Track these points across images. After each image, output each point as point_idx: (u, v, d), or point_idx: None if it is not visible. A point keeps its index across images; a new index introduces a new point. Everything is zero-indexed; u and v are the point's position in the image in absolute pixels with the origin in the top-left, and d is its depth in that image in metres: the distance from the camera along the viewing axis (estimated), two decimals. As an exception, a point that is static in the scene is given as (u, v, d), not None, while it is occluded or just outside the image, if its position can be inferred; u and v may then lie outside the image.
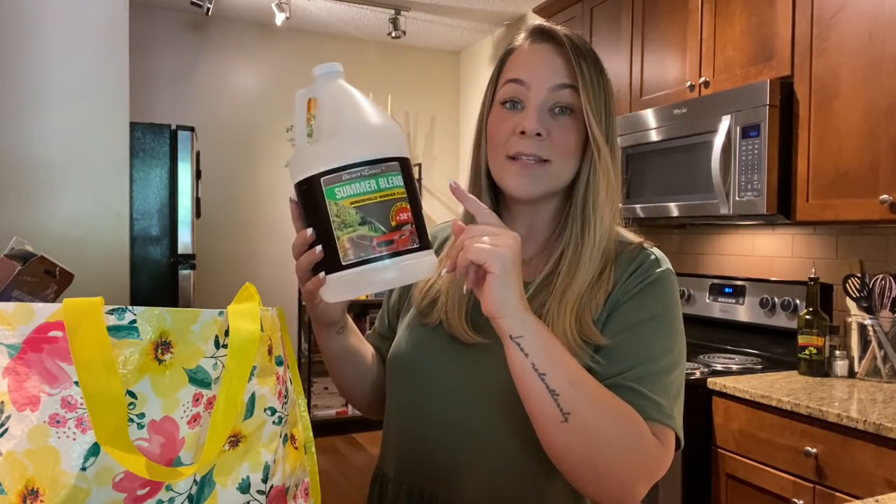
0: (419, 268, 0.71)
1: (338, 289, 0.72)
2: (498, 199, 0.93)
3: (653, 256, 0.86)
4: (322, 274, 0.72)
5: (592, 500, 0.75)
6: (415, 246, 0.71)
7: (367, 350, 1.00)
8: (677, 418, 0.80)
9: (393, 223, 0.70)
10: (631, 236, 0.89)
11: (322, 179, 0.70)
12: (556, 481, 0.82)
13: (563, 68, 0.84)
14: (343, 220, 0.70)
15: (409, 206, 0.71)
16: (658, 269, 0.84)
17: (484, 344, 0.85)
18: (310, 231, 0.73)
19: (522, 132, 0.83)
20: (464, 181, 0.94)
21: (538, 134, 0.83)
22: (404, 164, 0.72)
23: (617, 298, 0.82)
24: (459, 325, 0.87)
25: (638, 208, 2.50)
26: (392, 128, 0.73)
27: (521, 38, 0.90)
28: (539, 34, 0.88)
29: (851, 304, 2.11)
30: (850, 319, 2.10)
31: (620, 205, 0.90)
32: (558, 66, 0.84)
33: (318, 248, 0.72)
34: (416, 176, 4.69)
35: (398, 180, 0.71)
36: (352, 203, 0.70)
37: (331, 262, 0.72)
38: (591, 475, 0.72)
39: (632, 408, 0.75)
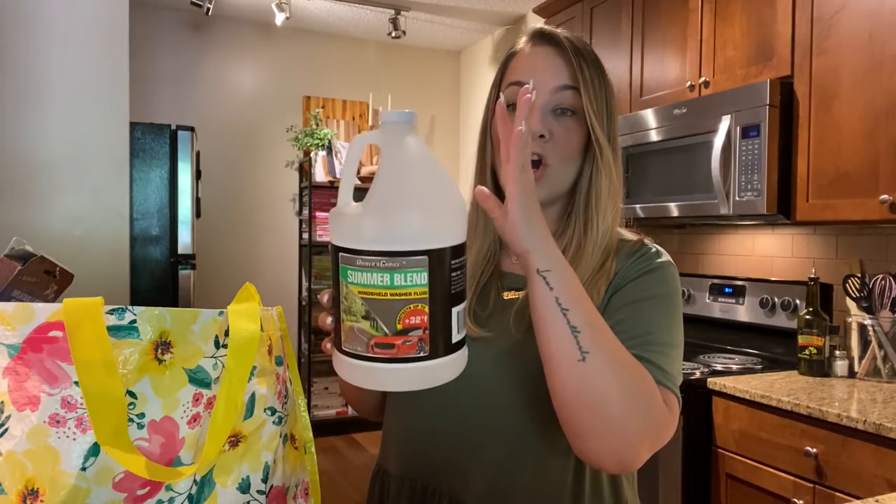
0: (417, 379, 0.63)
1: (340, 368, 0.65)
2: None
3: (654, 249, 0.88)
4: (329, 345, 0.68)
5: (592, 464, 0.73)
6: (420, 355, 0.62)
7: None
8: (678, 383, 0.80)
9: (399, 326, 0.61)
10: (631, 235, 0.91)
11: (340, 255, 0.63)
12: (556, 462, 0.83)
13: (564, 70, 0.86)
14: (349, 307, 0.62)
15: (426, 309, 0.62)
16: (659, 259, 0.86)
17: (486, 338, 0.86)
18: (326, 297, 0.70)
19: None
20: (468, 183, 0.94)
21: (541, 136, 0.84)
22: (437, 259, 0.62)
23: (618, 284, 0.84)
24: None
25: (638, 208, 2.50)
26: (437, 211, 0.63)
27: (522, 41, 0.92)
28: (540, 37, 0.89)
29: (851, 304, 2.11)
30: (850, 319, 2.10)
31: (622, 205, 0.91)
32: (560, 68, 0.86)
33: (329, 319, 0.68)
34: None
35: (420, 278, 0.61)
36: (360, 293, 0.61)
37: (335, 339, 0.66)
38: (598, 425, 0.70)
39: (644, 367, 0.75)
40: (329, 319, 0.68)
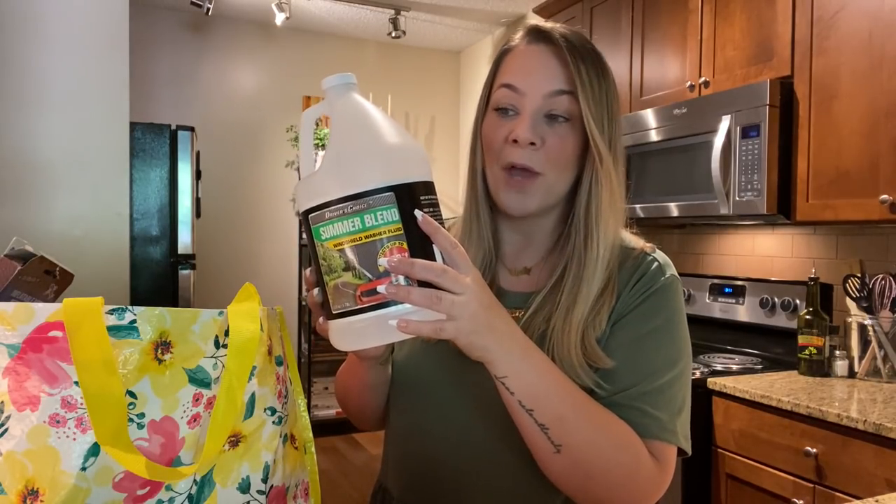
0: (413, 321, 0.61)
1: (337, 337, 0.64)
2: (494, 206, 0.89)
3: (656, 264, 0.83)
4: (321, 319, 0.67)
5: None
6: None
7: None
8: (681, 430, 0.80)
9: (381, 268, 0.60)
10: (634, 240, 0.86)
11: (310, 217, 0.63)
12: (561, 498, 0.82)
13: (559, 73, 0.79)
14: (329, 265, 0.62)
15: (405, 245, 0.60)
16: (662, 278, 0.81)
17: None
18: (308, 271, 0.68)
19: (515, 140, 0.79)
20: (462, 184, 0.92)
21: (532, 143, 0.78)
22: (405, 193, 0.60)
23: (620, 312, 0.80)
24: None
25: (638, 208, 2.50)
26: (394, 150, 0.62)
27: (517, 37, 0.85)
28: (535, 35, 0.82)
29: (851, 304, 2.11)
30: (850, 319, 2.10)
31: (625, 207, 0.86)
32: (554, 70, 0.79)
33: (316, 290, 0.66)
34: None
35: (391, 215, 0.60)
36: (335, 245, 0.61)
37: (326, 309, 0.64)
38: (587, 502, 0.73)
39: (631, 431, 0.74)
40: (316, 291, 0.66)
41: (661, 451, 0.77)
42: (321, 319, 0.67)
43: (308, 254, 0.66)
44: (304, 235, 0.65)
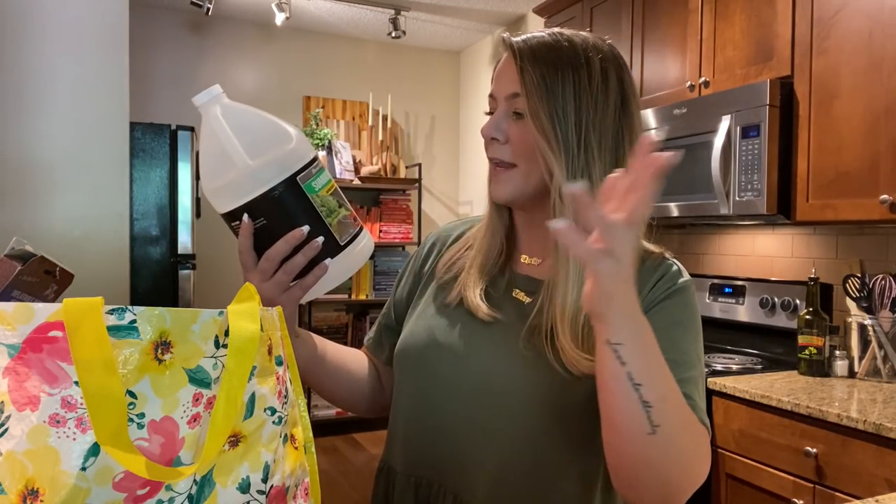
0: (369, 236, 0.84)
1: (340, 270, 0.79)
2: None
3: (675, 267, 0.87)
4: (328, 261, 0.79)
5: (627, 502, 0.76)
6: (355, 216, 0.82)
7: (350, 358, 1.02)
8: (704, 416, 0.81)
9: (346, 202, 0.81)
10: (652, 246, 0.90)
11: (298, 178, 0.76)
12: (570, 480, 0.82)
13: (515, 77, 0.85)
14: (329, 208, 0.78)
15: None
16: (681, 279, 0.85)
17: (501, 323, 0.87)
18: (306, 227, 0.77)
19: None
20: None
21: (495, 139, 0.88)
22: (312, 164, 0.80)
23: (644, 306, 0.82)
24: (475, 300, 0.89)
25: (638, 208, 2.50)
26: (280, 150, 0.78)
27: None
28: (503, 45, 0.90)
29: (851, 304, 2.11)
30: (850, 319, 2.10)
31: None
32: (511, 74, 0.86)
33: (320, 238, 0.77)
34: (416, 176, 4.69)
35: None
36: (327, 191, 0.78)
37: (332, 248, 0.78)
38: (657, 487, 0.71)
39: (696, 418, 0.76)
40: (320, 239, 0.77)
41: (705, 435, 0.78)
42: (327, 261, 0.79)
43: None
44: (287, 203, 0.77)
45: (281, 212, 0.76)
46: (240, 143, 0.75)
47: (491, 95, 0.91)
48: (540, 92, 0.83)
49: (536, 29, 0.92)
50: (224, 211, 0.78)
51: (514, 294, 0.90)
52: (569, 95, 0.83)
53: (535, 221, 0.92)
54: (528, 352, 0.84)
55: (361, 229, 0.82)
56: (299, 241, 0.76)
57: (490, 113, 0.91)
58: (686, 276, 0.87)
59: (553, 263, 0.84)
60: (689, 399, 0.76)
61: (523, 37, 0.88)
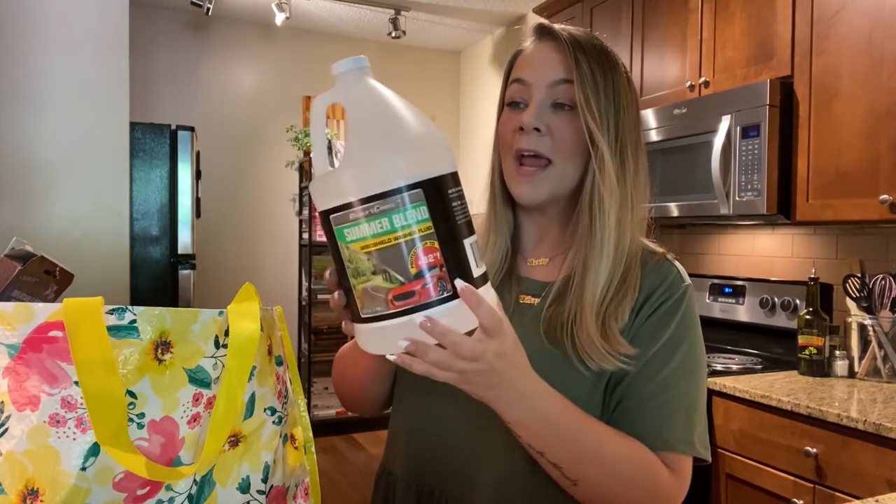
0: (451, 324, 0.58)
1: (364, 341, 0.62)
2: (513, 200, 0.91)
3: (677, 271, 0.86)
4: (345, 322, 0.65)
5: None
6: (444, 295, 0.57)
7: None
8: (698, 439, 0.81)
9: (413, 270, 0.56)
10: (654, 246, 0.89)
11: (331, 218, 0.59)
12: (571, 497, 0.82)
13: (559, 64, 0.83)
14: (356, 268, 0.58)
15: (437, 245, 0.57)
16: (682, 284, 0.85)
17: None
18: (328, 273, 0.65)
19: (521, 128, 0.83)
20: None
21: (537, 129, 0.82)
22: (433, 189, 0.57)
23: (645, 313, 0.82)
24: None
25: (638, 208, 2.50)
26: (417, 141, 0.59)
27: (528, 39, 0.91)
28: (540, 32, 0.88)
29: (851, 304, 2.11)
30: (850, 319, 2.10)
31: (646, 202, 0.89)
32: (556, 62, 0.84)
33: (337, 293, 0.63)
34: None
35: (420, 213, 0.56)
36: (362, 248, 0.57)
37: (353, 311, 0.61)
38: None
39: (647, 452, 0.76)
40: (336, 294, 0.63)
41: (677, 461, 0.79)
42: (345, 323, 0.66)
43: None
44: (324, 235, 0.61)
45: (328, 240, 0.61)
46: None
47: (520, 81, 0.85)
48: (594, 82, 0.82)
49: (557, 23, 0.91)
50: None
51: (521, 300, 0.89)
52: (610, 92, 0.83)
53: (551, 220, 0.90)
54: (538, 358, 0.83)
55: (405, 313, 0.57)
56: (332, 285, 0.65)
57: (516, 103, 0.86)
58: (687, 281, 0.86)
59: (578, 254, 0.83)
60: (660, 419, 0.78)
61: (562, 25, 0.87)
